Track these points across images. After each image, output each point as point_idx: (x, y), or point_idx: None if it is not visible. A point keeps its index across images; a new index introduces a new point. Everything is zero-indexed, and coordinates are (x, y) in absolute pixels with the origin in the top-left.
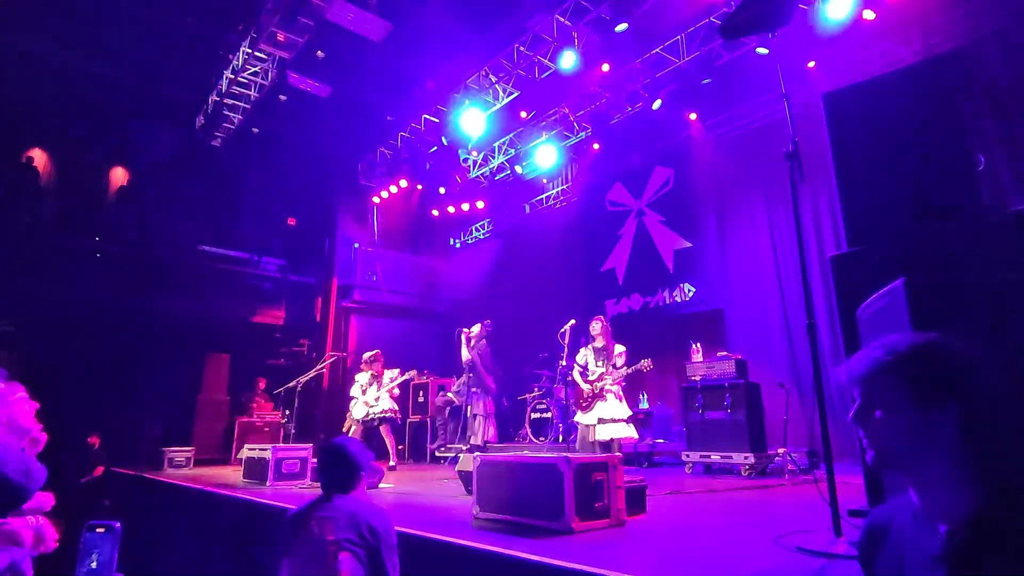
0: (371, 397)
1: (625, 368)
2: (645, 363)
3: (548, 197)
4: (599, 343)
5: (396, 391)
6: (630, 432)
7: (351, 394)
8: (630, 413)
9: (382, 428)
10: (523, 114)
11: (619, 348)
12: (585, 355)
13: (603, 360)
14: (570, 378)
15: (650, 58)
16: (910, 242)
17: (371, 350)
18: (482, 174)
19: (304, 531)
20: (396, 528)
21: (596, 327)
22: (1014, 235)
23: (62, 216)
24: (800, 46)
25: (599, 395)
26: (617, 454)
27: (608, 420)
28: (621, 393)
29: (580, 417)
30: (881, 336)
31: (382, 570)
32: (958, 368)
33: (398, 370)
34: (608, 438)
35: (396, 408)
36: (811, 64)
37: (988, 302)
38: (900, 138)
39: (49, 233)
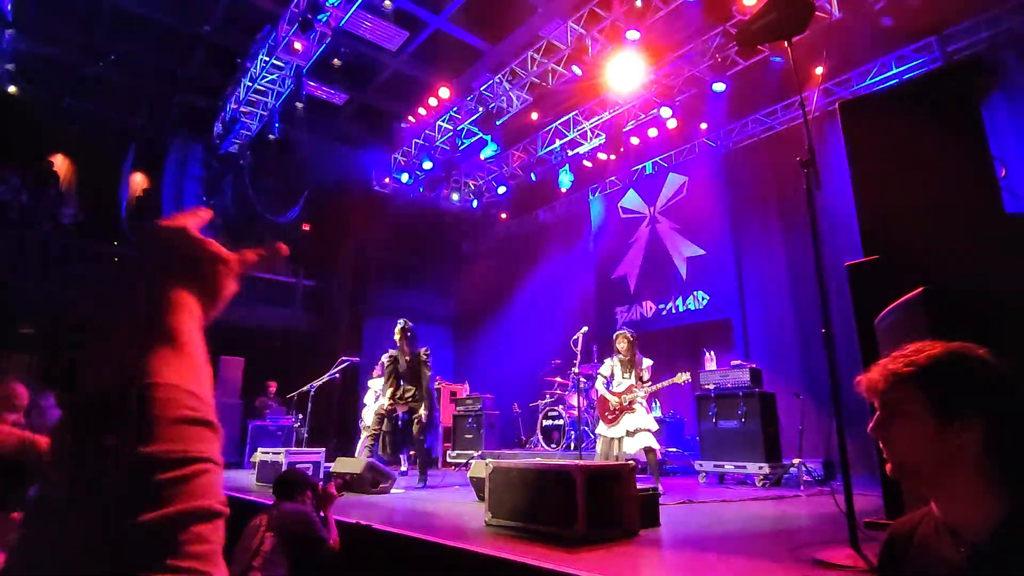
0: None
1: (651, 383)
2: (683, 377)
3: (561, 203)
4: (627, 356)
5: None
6: (653, 442)
7: (364, 401)
8: (657, 427)
9: None
10: (533, 116)
11: (647, 362)
12: (611, 366)
13: (630, 372)
14: (593, 390)
15: (664, 65)
16: (928, 250)
17: (384, 354)
18: (495, 180)
19: (252, 522)
20: (407, 533)
21: (623, 344)
22: None
23: (82, 221)
24: (817, 53)
25: (628, 407)
26: (643, 462)
27: (635, 431)
28: (646, 404)
29: (604, 430)
30: (899, 346)
31: (308, 547)
32: (980, 378)
33: None
34: (636, 450)
35: None
36: (824, 71)
37: (1009, 311)
38: (918, 145)
39: (69, 238)
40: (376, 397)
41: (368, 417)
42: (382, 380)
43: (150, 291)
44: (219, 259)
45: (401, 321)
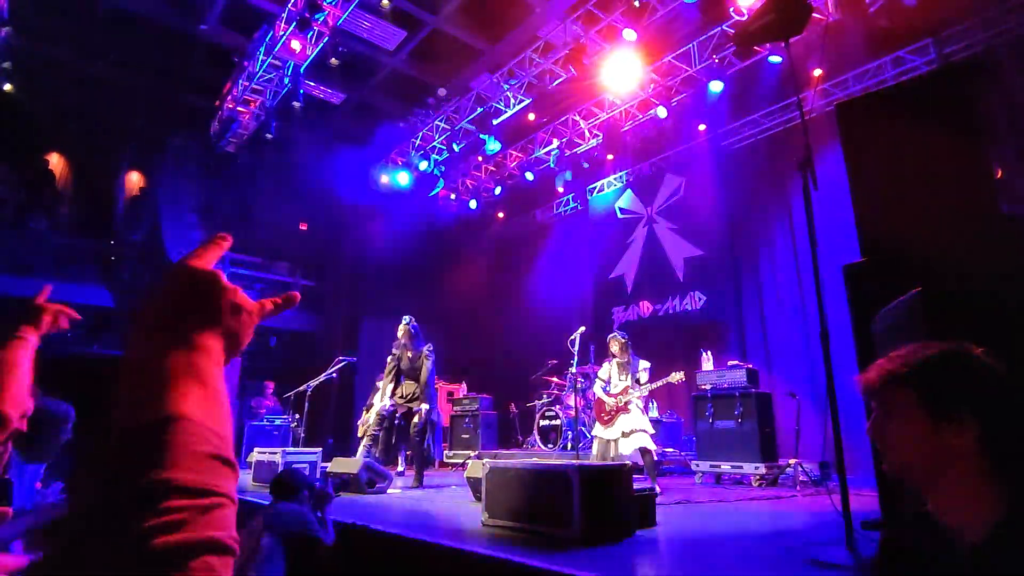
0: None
1: (650, 384)
2: (677, 376)
3: (558, 203)
4: (622, 359)
5: None
6: (649, 442)
7: (371, 401)
8: (652, 429)
9: None
10: (531, 116)
11: (644, 364)
12: (608, 369)
13: (627, 374)
14: (590, 392)
15: (662, 66)
16: (925, 251)
17: (385, 354)
18: (493, 180)
19: (249, 522)
20: (404, 533)
21: (615, 346)
22: None
23: (77, 219)
24: (813, 54)
25: (623, 408)
26: (640, 464)
27: (630, 432)
28: (642, 405)
29: (600, 431)
30: (896, 346)
31: (305, 547)
32: (975, 378)
33: None
34: (632, 451)
35: None
36: (818, 72)
37: (1005, 311)
38: (915, 147)
39: (64, 236)
40: (383, 396)
41: (373, 416)
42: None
43: (183, 334)
44: (245, 311)
45: (406, 318)
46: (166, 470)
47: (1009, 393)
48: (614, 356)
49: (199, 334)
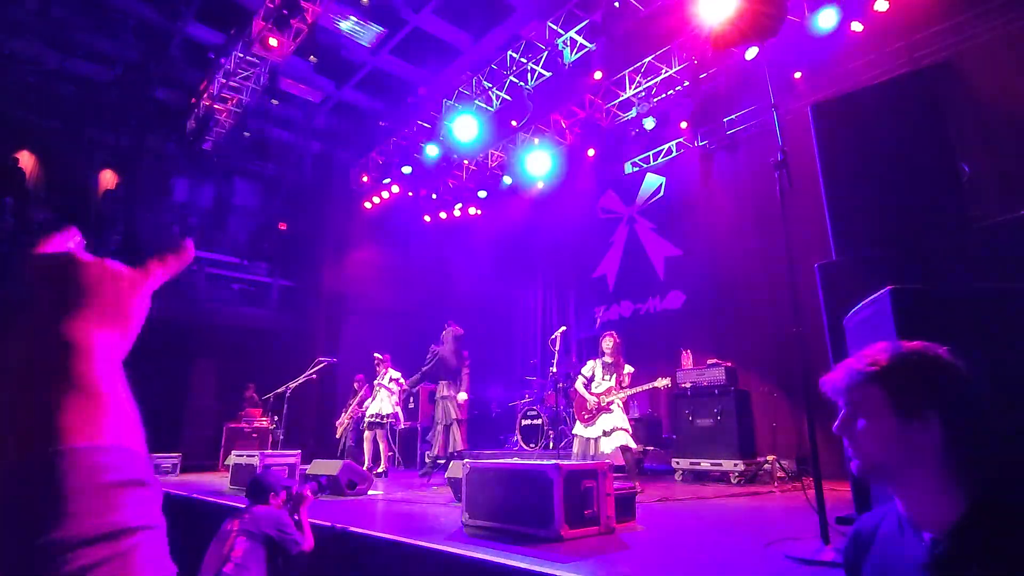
0: (369, 400)
1: (631, 388)
2: (663, 382)
3: (540, 204)
4: (609, 359)
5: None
6: (629, 441)
7: (351, 401)
8: (630, 429)
9: (378, 433)
10: (513, 122)
11: (628, 368)
12: (593, 367)
13: (611, 375)
14: (572, 389)
15: (642, 66)
16: (896, 251)
17: (373, 354)
18: (475, 180)
19: (224, 526)
20: (384, 535)
21: (608, 344)
22: (998, 244)
23: (49, 220)
24: (789, 57)
25: (605, 408)
26: (621, 463)
27: (611, 431)
28: (623, 405)
29: (581, 430)
30: (866, 344)
31: (282, 550)
32: (940, 377)
33: (399, 373)
34: (613, 449)
35: (393, 413)
36: (799, 75)
37: (972, 311)
38: (886, 148)
39: (35, 236)
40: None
41: (384, 407)
42: (385, 378)
43: (49, 336)
44: (116, 278)
45: (446, 326)
46: (58, 525)
47: (970, 392)
48: (603, 354)
49: (73, 330)
